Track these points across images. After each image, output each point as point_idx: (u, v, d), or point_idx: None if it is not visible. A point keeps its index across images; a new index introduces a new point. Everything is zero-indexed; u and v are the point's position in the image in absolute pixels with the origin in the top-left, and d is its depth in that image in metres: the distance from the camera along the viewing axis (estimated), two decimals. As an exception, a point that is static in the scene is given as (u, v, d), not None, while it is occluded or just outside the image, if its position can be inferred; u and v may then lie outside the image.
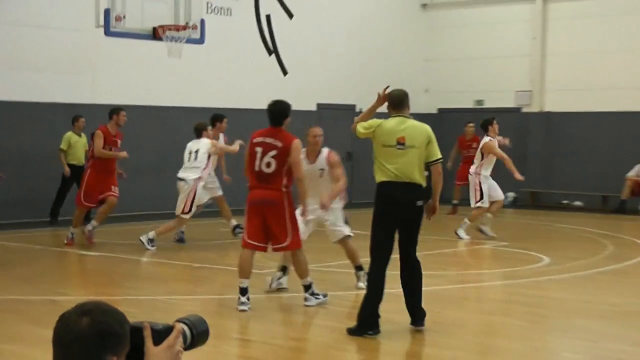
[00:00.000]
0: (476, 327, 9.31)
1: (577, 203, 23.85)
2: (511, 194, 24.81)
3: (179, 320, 3.20)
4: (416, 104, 25.85)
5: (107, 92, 19.35)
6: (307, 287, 10.37)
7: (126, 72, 19.66)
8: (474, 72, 25.45)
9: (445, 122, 26.03)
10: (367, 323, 8.91)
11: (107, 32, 15.93)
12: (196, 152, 15.40)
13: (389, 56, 25.47)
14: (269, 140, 10.06)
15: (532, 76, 24.90)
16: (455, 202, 21.40)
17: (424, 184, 9.10)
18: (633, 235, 16.71)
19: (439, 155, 9.26)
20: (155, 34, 16.28)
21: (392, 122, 9.19)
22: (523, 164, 24.81)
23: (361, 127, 9.23)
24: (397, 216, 9.02)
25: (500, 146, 16.86)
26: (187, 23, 16.55)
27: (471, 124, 21.40)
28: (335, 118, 24.11)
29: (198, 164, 15.19)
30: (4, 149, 17.77)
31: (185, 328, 3.18)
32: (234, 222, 15.91)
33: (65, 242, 15.01)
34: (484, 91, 25.36)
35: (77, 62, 19.00)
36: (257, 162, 10.03)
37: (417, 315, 9.11)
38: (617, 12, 23.43)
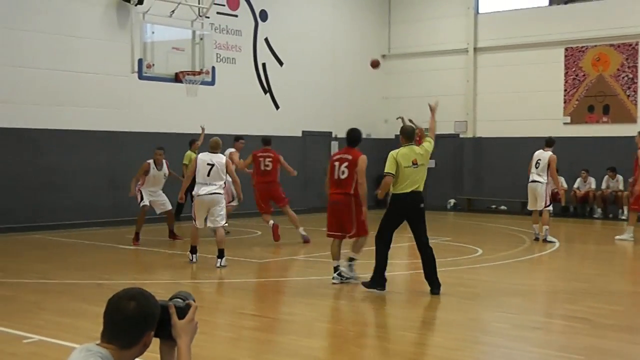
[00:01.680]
0: (425, 304, 9.29)
1: (502, 207, 23.92)
2: (452, 200, 24.90)
3: (178, 297, 3.25)
4: (378, 132, 26.16)
5: (140, 123, 19.31)
6: (350, 259, 10.68)
7: (154, 107, 19.62)
8: (422, 107, 25.43)
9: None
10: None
11: (140, 77, 15.92)
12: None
13: (356, 94, 25.55)
14: (344, 156, 10.67)
15: (467, 110, 24.98)
16: None
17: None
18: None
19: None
20: (177, 78, 16.26)
21: (405, 149, 10.13)
22: (460, 177, 24.96)
23: (389, 171, 9.95)
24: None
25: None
26: (201, 69, 16.55)
27: None
28: (316, 142, 24.24)
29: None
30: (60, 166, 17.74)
31: (180, 302, 3.23)
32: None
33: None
34: (430, 121, 25.40)
35: (117, 99, 18.95)
36: (336, 172, 10.60)
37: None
38: (530, 62, 23.58)
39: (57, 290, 10.26)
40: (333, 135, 24.78)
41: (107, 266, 12.51)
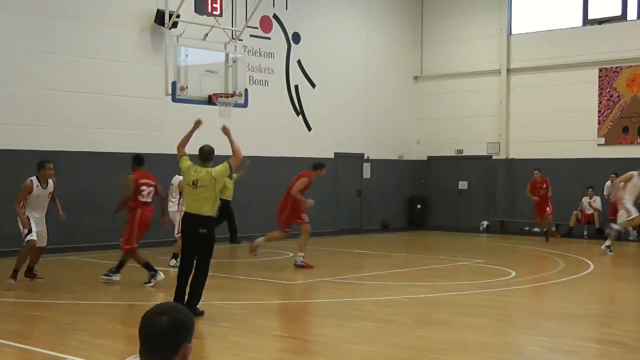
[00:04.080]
0: (458, 326, 9.22)
1: (536, 229, 23.70)
2: (484, 222, 24.74)
3: None
4: (410, 153, 26.11)
5: (174, 145, 19.39)
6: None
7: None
8: (455, 128, 25.49)
9: (433, 166, 26.11)
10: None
11: (174, 99, 16.05)
12: None
13: (389, 116, 25.56)
14: None
15: (500, 131, 24.88)
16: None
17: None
18: (579, 255, 16.59)
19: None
20: (210, 100, 16.37)
21: (195, 167, 10.28)
22: (493, 198, 24.80)
23: (183, 162, 10.43)
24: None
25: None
26: (234, 92, 16.65)
27: (537, 171, 21.38)
28: (348, 164, 24.26)
29: None
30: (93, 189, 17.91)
31: None
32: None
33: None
34: (463, 143, 25.37)
35: (151, 122, 19.15)
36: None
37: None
38: (563, 82, 23.47)
39: (91, 311, 10.34)
40: (365, 157, 24.78)
41: (141, 288, 12.58)
